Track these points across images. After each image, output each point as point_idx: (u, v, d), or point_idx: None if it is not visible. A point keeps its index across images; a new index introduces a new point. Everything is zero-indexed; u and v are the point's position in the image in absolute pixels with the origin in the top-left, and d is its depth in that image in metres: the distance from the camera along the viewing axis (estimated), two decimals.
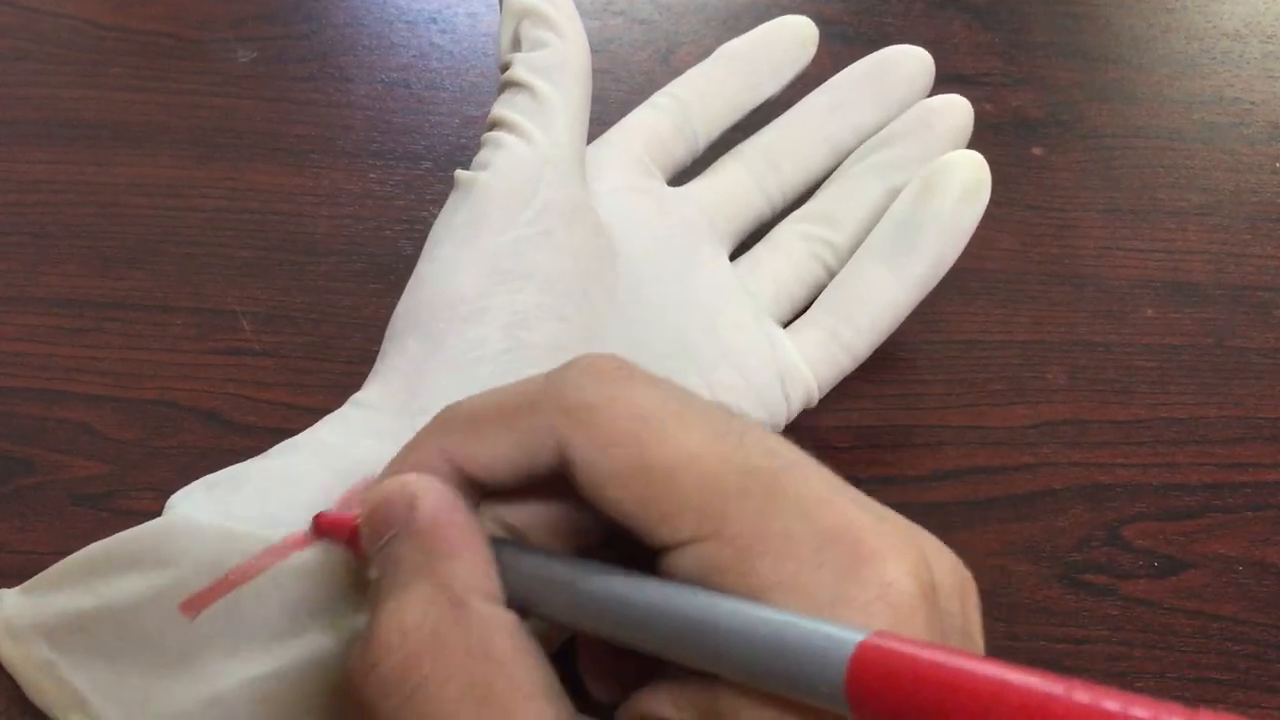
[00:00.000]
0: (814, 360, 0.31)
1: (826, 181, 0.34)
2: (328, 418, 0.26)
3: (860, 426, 0.34)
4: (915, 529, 0.19)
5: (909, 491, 0.33)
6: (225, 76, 0.44)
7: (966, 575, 0.19)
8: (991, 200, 0.41)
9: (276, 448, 0.25)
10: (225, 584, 0.21)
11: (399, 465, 0.22)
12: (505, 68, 0.30)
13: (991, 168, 0.42)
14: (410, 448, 0.22)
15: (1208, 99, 0.45)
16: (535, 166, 0.28)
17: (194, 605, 0.21)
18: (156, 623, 0.21)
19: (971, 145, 0.43)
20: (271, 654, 0.21)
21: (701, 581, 0.18)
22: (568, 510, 0.21)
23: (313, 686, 0.21)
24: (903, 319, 0.32)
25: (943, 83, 0.45)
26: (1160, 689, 0.29)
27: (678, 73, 0.35)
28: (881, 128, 0.35)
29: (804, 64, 0.36)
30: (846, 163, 0.34)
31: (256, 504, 0.23)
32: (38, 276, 0.37)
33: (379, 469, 0.24)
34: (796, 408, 0.31)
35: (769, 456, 0.19)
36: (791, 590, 0.17)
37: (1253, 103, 0.45)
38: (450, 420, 0.21)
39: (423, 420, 0.25)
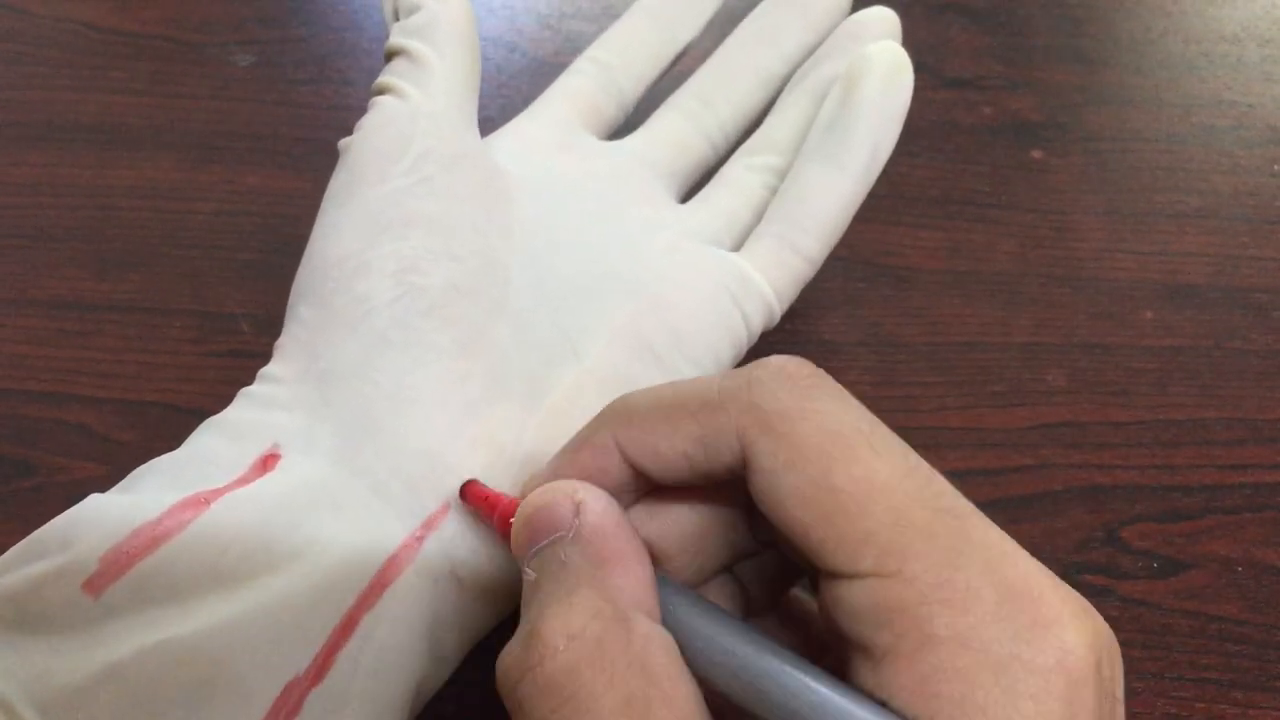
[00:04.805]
0: (767, 269, 0.30)
1: (769, 113, 0.34)
2: (238, 396, 0.26)
3: None
4: (1077, 593, 0.19)
5: None
6: (224, 80, 0.44)
7: (1114, 639, 0.19)
8: (991, 203, 0.41)
9: (190, 436, 0.25)
10: (127, 558, 0.21)
11: (573, 453, 0.22)
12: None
13: (991, 171, 0.42)
14: (583, 437, 0.22)
15: (1206, 102, 0.45)
16: (408, 119, 0.28)
17: (96, 584, 0.21)
18: (57, 600, 0.21)
19: (971, 148, 0.43)
20: (172, 621, 0.21)
21: (874, 618, 0.18)
22: (720, 521, 0.21)
23: (212, 653, 0.21)
24: (850, 215, 0.31)
25: (942, 86, 0.45)
26: (1159, 689, 0.29)
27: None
28: (810, 50, 0.35)
29: (718, 5, 0.36)
30: (785, 90, 0.34)
31: (167, 486, 0.23)
32: (37, 279, 0.37)
33: (284, 439, 0.24)
34: (757, 323, 0.30)
35: (955, 498, 0.19)
36: (968, 643, 0.17)
37: (1250, 106, 0.45)
38: (626, 411, 0.21)
39: (326, 384, 0.25)
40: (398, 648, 0.23)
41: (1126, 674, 0.29)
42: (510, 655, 0.19)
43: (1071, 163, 0.43)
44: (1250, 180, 0.42)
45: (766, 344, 0.34)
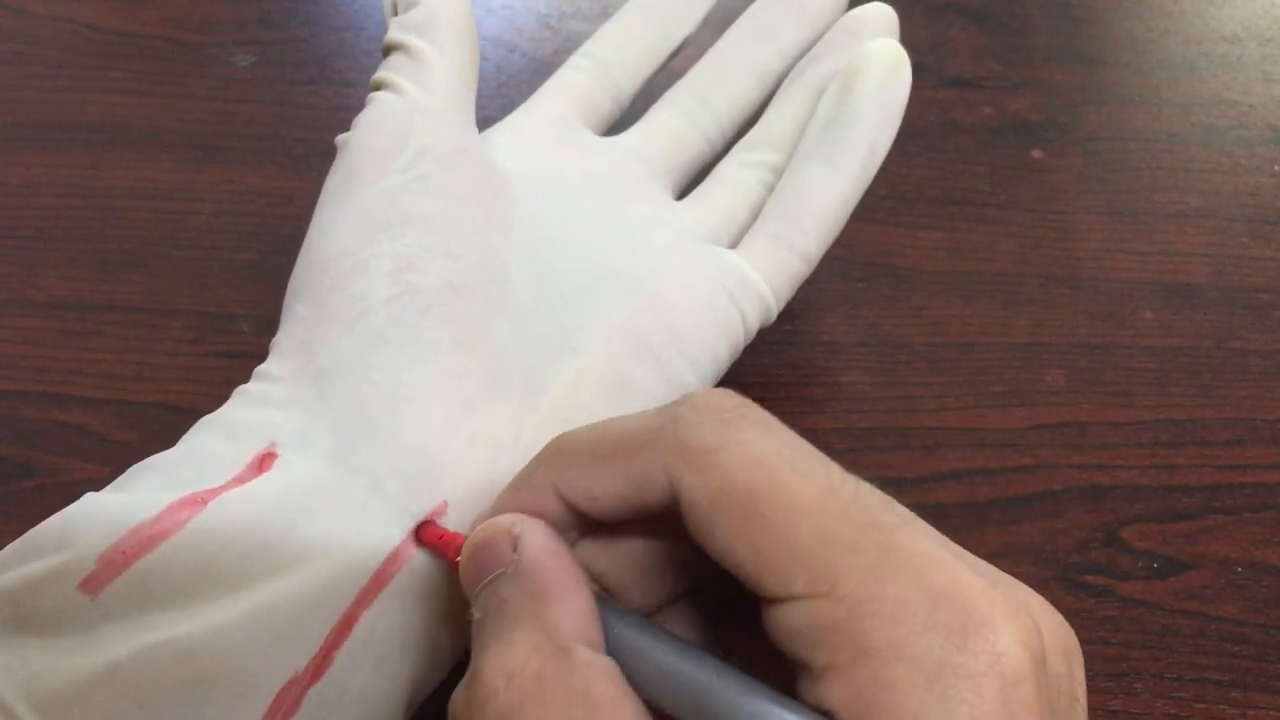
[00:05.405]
0: (764, 268, 0.30)
1: (766, 109, 0.34)
2: (234, 394, 0.26)
3: (859, 428, 0.34)
4: (1022, 588, 0.19)
5: (908, 493, 0.33)
6: (224, 80, 0.44)
7: (1071, 634, 0.19)
8: (991, 203, 0.41)
9: (185, 435, 0.25)
10: (124, 557, 0.21)
11: (511, 495, 0.22)
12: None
13: (991, 171, 0.42)
14: (522, 479, 0.22)
15: (1206, 102, 0.45)
16: (406, 116, 0.28)
17: (93, 584, 0.21)
18: (55, 600, 0.21)
19: (971, 148, 0.43)
20: (171, 621, 0.21)
21: (811, 637, 0.18)
22: (669, 550, 0.21)
23: (210, 653, 0.21)
24: (847, 214, 0.31)
25: (942, 86, 0.45)
26: (1159, 690, 0.29)
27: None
28: (807, 47, 0.34)
29: (713, 2, 0.36)
30: (782, 86, 0.34)
31: (163, 485, 0.23)
32: (37, 279, 0.37)
33: (280, 437, 0.24)
34: (754, 321, 0.30)
35: (883, 511, 0.19)
36: (900, 654, 0.17)
37: (1250, 105, 0.45)
38: (562, 452, 0.21)
39: (322, 382, 0.25)
40: (396, 646, 0.23)
41: (1127, 675, 0.29)
42: (457, 698, 0.19)
43: (1071, 163, 0.43)
44: (1250, 180, 0.42)
45: (767, 344, 0.34)
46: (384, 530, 0.23)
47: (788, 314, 0.32)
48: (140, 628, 0.21)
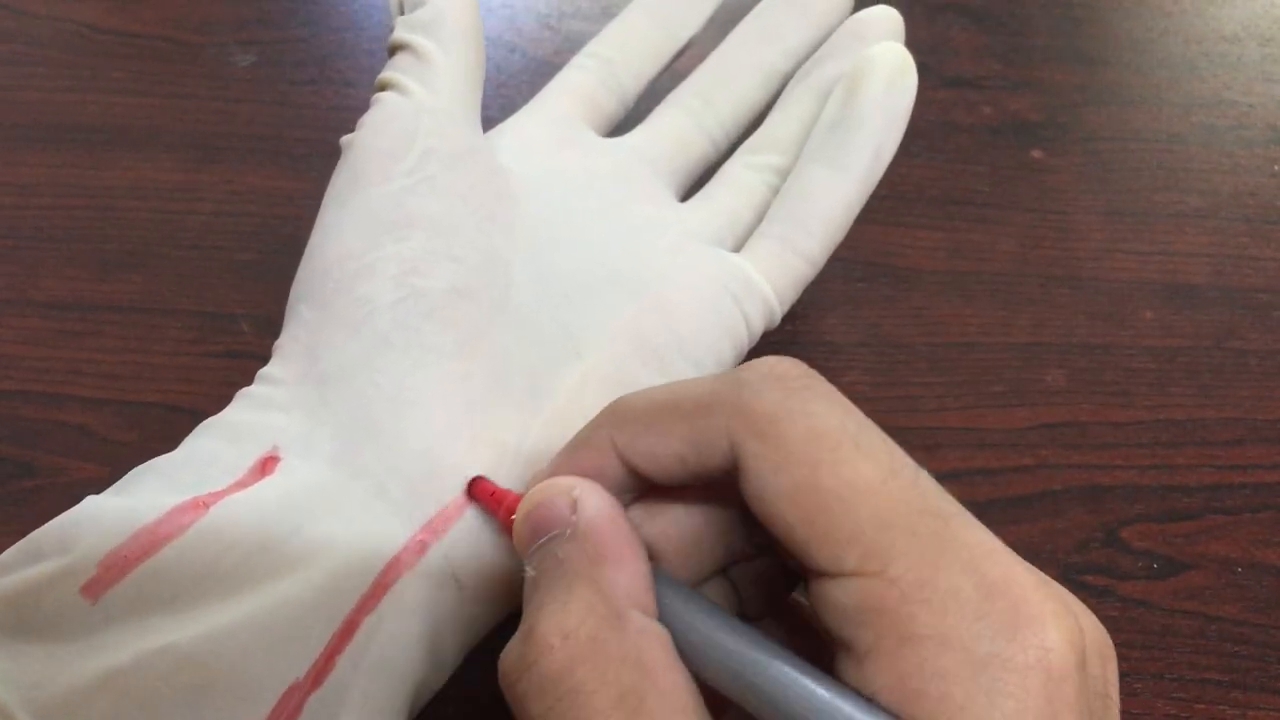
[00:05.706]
0: (768, 271, 0.30)
1: (771, 111, 0.34)
2: (236, 397, 0.26)
3: None
4: (1061, 588, 0.19)
5: None
6: (224, 80, 0.44)
7: (1107, 637, 0.19)
8: (991, 203, 0.41)
9: (187, 438, 0.25)
10: (125, 561, 0.21)
11: (569, 455, 0.22)
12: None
13: (991, 171, 0.42)
14: (581, 439, 0.22)
15: (1206, 102, 0.45)
16: (411, 117, 0.28)
17: (94, 589, 0.21)
18: (56, 604, 0.21)
19: (971, 148, 0.43)
20: (172, 626, 0.21)
21: (857, 617, 0.18)
22: (716, 523, 0.21)
23: (211, 659, 0.21)
24: (852, 217, 0.31)
25: (942, 85, 0.45)
26: (1159, 690, 0.29)
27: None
28: (813, 48, 0.34)
29: (718, 2, 0.36)
30: (787, 88, 0.34)
31: (165, 489, 0.23)
32: (37, 280, 0.37)
33: (283, 441, 0.24)
34: (758, 324, 0.30)
35: (940, 499, 0.19)
36: (948, 642, 0.17)
37: (1250, 105, 0.45)
38: (623, 413, 0.21)
39: (325, 386, 0.25)
40: (398, 650, 0.23)
41: (1127, 675, 0.29)
42: (510, 654, 0.19)
43: (1071, 162, 0.43)
44: (1250, 180, 0.42)
45: (768, 344, 0.34)
46: (387, 535, 0.23)
47: (789, 314, 0.32)
48: (141, 632, 0.21)
